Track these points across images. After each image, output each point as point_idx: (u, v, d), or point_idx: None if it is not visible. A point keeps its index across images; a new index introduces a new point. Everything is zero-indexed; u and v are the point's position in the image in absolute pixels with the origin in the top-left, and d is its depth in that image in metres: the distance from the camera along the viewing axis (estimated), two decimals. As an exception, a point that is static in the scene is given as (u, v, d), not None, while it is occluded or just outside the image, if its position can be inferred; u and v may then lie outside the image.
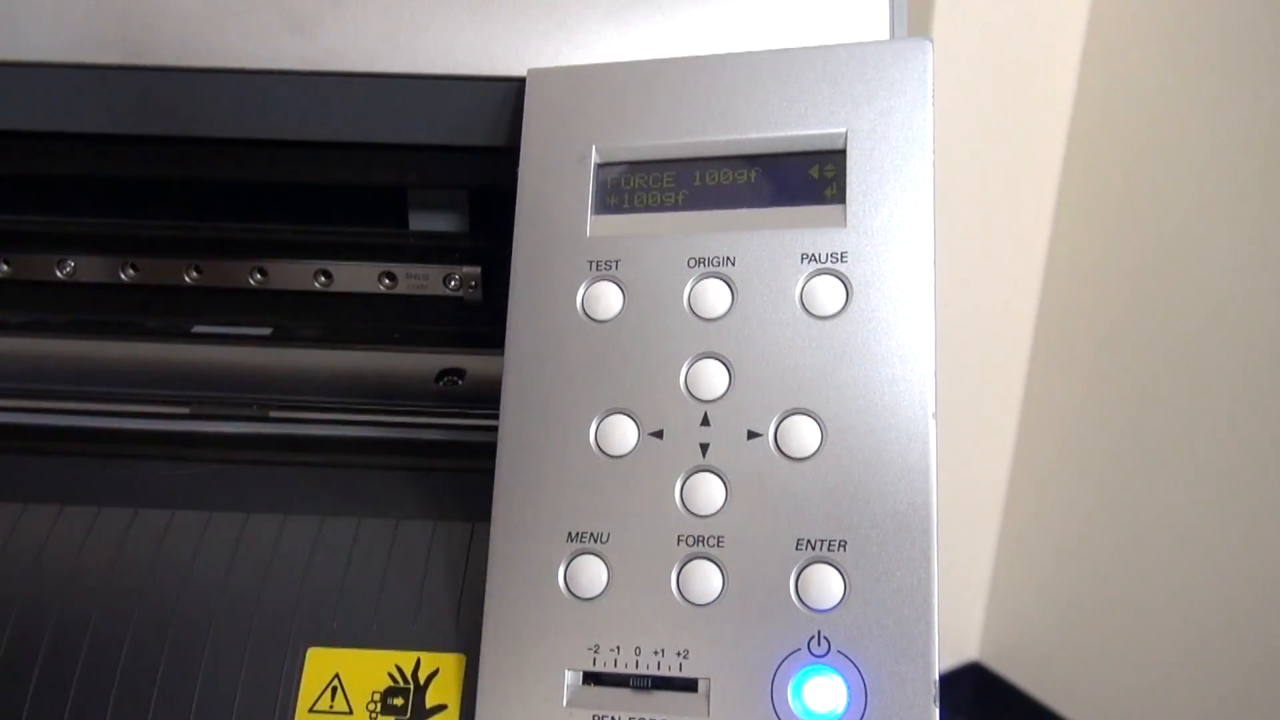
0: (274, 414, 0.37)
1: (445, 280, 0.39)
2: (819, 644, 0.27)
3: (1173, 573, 1.00)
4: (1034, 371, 1.11)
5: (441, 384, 0.39)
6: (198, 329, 0.40)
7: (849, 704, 0.27)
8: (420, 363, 0.39)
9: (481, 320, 0.40)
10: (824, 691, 0.27)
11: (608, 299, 0.30)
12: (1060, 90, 1.01)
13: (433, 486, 0.35)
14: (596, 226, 0.31)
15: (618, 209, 0.31)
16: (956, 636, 1.23)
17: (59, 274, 0.40)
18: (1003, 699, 1.22)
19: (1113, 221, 1.00)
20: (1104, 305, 1.02)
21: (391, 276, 0.39)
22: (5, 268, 0.41)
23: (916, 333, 0.28)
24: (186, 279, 0.40)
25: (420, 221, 0.41)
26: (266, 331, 0.40)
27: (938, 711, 0.26)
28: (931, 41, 0.30)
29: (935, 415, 0.28)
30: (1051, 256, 1.07)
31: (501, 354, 0.31)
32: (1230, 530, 0.94)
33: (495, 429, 0.30)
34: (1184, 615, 0.99)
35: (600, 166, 0.31)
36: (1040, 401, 1.11)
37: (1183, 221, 0.94)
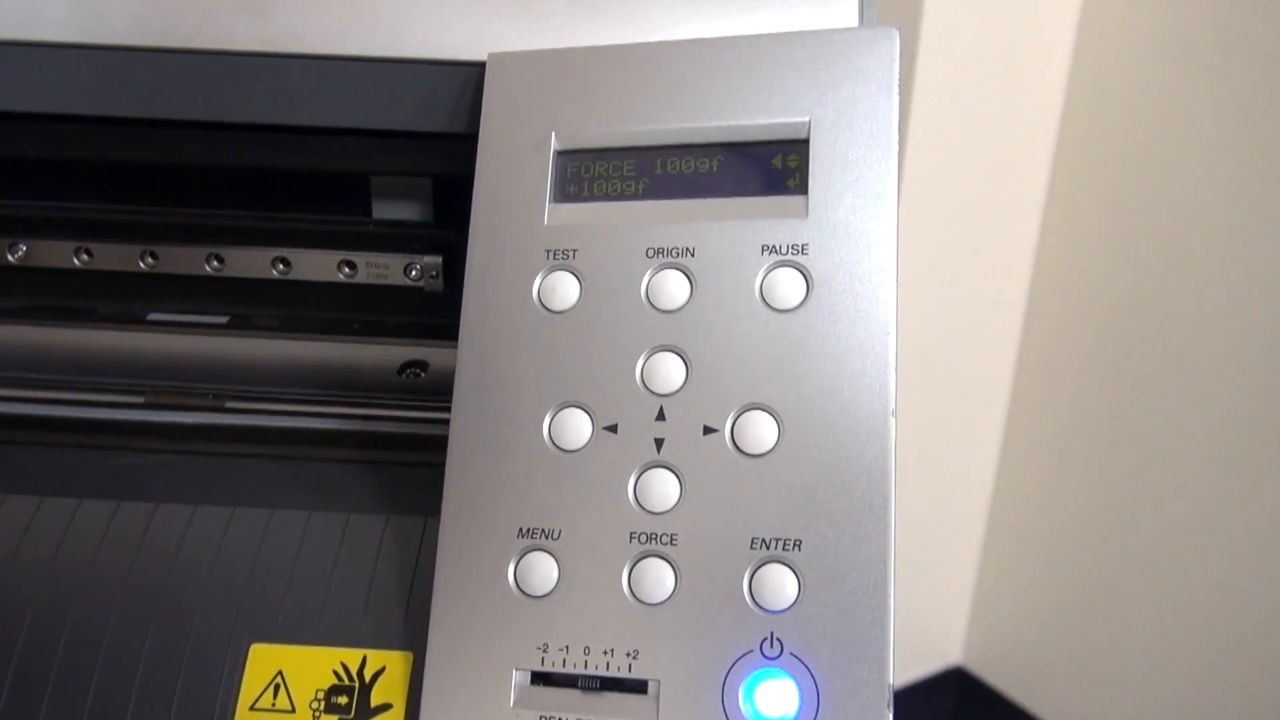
0: (230, 404, 0.37)
1: (406, 270, 0.38)
2: (772, 646, 0.26)
3: (1159, 577, 0.99)
4: (1021, 373, 1.11)
5: (404, 376, 0.38)
6: (153, 316, 0.39)
7: (801, 708, 0.26)
8: (383, 354, 0.38)
9: (443, 311, 0.39)
10: (776, 695, 0.26)
11: (564, 289, 0.30)
12: (1051, 86, 1.00)
13: (388, 480, 0.34)
14: (555, 215, 0.30)
15: (577, 197, 0.30)
16: (940, 640, 1.23)
17: (10, 258, 0.39)
18: (986, 704, 1.21)
19: (1102, 220, 0.99)
20: (1093, 306, 1.02)
21: (351, 265, 0.38)
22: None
23: (877, 328, 0.27)
24: (141, 265, 0.39)
25: (384, 210, 0.40)
26: (223, 319, 0.39)
27: (891, 716, 0.25)
28: (898, 29, 0.29)
29: (895, 413, 0.27)
30: (1040, 255, 1.06)
31: None
32: (1217, 535, 0.93)
33: (450, 421, 0.29)
34: (1170, 619, 0.99)
35: (560, 154, 0.31)
36: (1027, 403, 1.11)
37: (1173, 220, 0.93)
